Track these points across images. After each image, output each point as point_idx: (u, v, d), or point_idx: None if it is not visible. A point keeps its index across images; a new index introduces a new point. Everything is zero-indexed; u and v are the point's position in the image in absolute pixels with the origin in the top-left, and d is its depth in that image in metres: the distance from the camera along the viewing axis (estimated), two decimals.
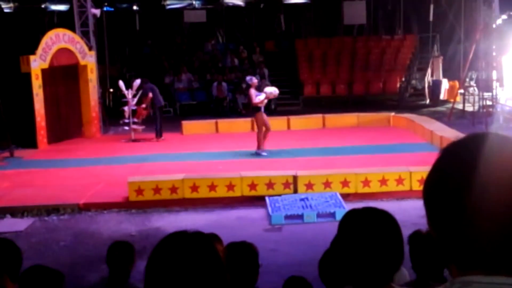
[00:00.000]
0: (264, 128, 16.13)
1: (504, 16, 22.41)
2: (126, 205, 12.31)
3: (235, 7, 29.95)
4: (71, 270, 8.16)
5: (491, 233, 1.30)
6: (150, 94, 18.63)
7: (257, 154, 16.09)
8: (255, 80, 16.38)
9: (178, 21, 29.54)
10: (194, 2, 29.40)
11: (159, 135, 19.04)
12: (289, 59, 28.38)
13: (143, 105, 18.91)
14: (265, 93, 16.17)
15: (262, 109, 16.09)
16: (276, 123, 19.74)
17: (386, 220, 2.37)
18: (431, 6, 27.33)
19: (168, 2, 29.23)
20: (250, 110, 17.13)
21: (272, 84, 25.40)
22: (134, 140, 18.99)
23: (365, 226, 2.35)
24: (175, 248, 1.84)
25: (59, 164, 16.09)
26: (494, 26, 21.57)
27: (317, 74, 27.21)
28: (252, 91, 15.97)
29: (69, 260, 9.50)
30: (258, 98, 15.93)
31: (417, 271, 3.67)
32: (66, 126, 19.88)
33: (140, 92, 19.05)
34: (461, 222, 1.32)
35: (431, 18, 27.46)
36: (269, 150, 16.16)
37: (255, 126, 16.59)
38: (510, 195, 1.29)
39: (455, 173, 1.33)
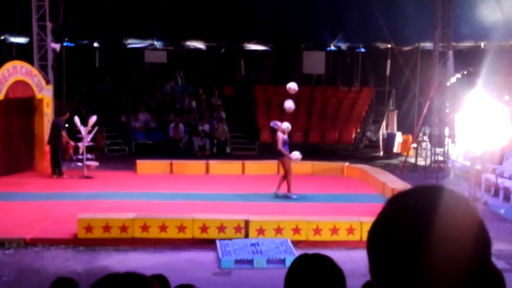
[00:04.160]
0: (285, 172, 16.02)
1: (458, 75, 22.99)
2: (74, 242, 12.07)
3: (196, 50, 30.12)
4: None
5: None
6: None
7: (287, 197, 16.06)
8: (279, 123, 16.20)
9: (139, 60, 29.54)
10: (155, 43, 29.47)
11: (59, 172, 18.77)
12: (247, 104, 28.57)
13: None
14: (283, 128, 16.01)
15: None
16: (231, 167, 19.78)
17: (330, 267, 2.40)
18: (388, 61, 28.00)
19: (129, 41, 29.24)
20: (274, 153, 16.65)
21: (229, 128, 25.55)
22: (87, 177, 18.74)
23: (310, 272, 2.37)
24: None
25: (7, 197, 15.76)
26: (448, 84, 22.13)
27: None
28: (280, 135, 15.92)
29: None
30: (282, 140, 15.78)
31: None
32: (18, 159, 19.55)
33: (95, 129, 18.89)
34: (410, 276, 1.24)
35: (388, 73, 28.09)
36: (223, 193, 16.09)
37: (281, 169, 16.09)
38: (467, 254, 1.23)
39: (406, 225, 1.26)
